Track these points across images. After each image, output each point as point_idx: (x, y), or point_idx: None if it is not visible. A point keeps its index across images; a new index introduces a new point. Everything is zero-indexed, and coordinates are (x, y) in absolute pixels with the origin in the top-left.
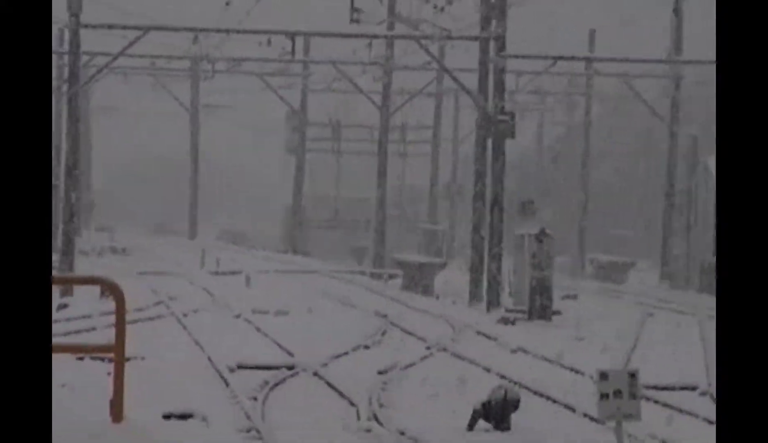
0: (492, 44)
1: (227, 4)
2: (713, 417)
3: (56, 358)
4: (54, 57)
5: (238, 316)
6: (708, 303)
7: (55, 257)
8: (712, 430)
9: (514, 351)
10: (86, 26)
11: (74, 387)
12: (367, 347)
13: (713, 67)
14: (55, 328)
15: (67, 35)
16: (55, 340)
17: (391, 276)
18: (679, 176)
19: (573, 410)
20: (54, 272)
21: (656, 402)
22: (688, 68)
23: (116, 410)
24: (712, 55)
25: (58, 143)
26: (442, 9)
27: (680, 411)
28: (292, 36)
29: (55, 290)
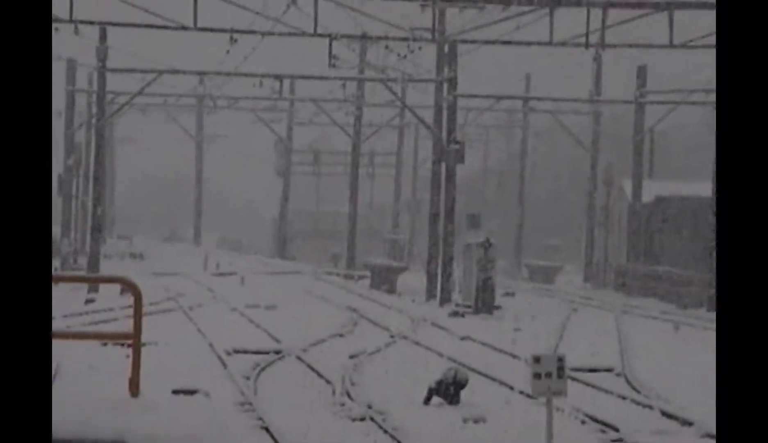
0: (445, 85)
1: (228, 52)
2: (627, 393)
3: (84, 344)
4: (84, 95)
5: (234, 309)
6: (622, 300)
7: (83, 261)
8: (627, 404)
9: (462, 339)
10: (111, 70)
11: (99, 368)
12: (341, 335)
13: (627, 105)
14: (83, 319)
15: (95, 78)
16: (82, 329)
17: (360, 277)
18: (599, 195)
19: (511, 388)
20: (82, 273)
21: (580, 381)
22: (606, 106)
23: (133, 386)
24: (626, 96)
25: (86, 167)
26: (405, 56)
27: (599, 389)
28: (280, 78)
29: (83, 288)
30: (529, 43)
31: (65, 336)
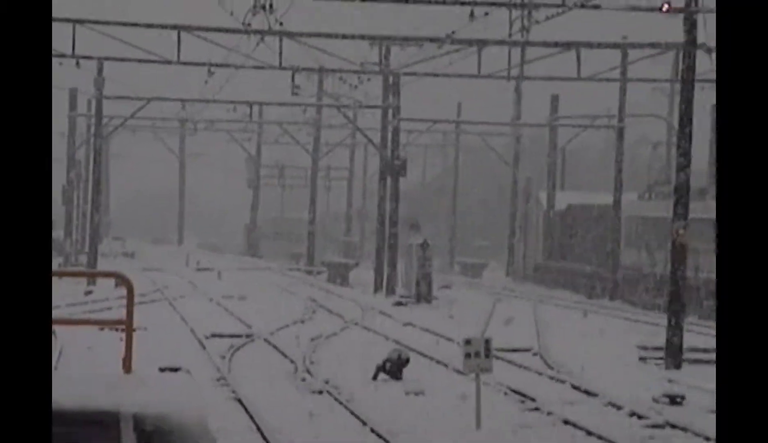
0: (390, 111)
1: (206, 82)
2: (543, 370)
3: (84, 329)
4: (84, 119)
5: (211, 300)
6: (539, 292)
7: (83, 259)
8: (543, 379)
9: (405, 325)
10: (107, 97)
11: (96, 349)
12: (302, 321)
13: (543, 128)
14: (83, 308)
15: (93, 104)
16: (83, 316)
17: (319, 273)
18: (519, 204)
19: (446, 366)
20: (83, 269)
21: (503, 360)
22: (525, 129)
23: (126, 365)
24: (541, 120)
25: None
26: (356, 86)
27: (519, 366)
28: (250, 104)
29: (83, 281)
30: (460, 76)
31: (68, 322)
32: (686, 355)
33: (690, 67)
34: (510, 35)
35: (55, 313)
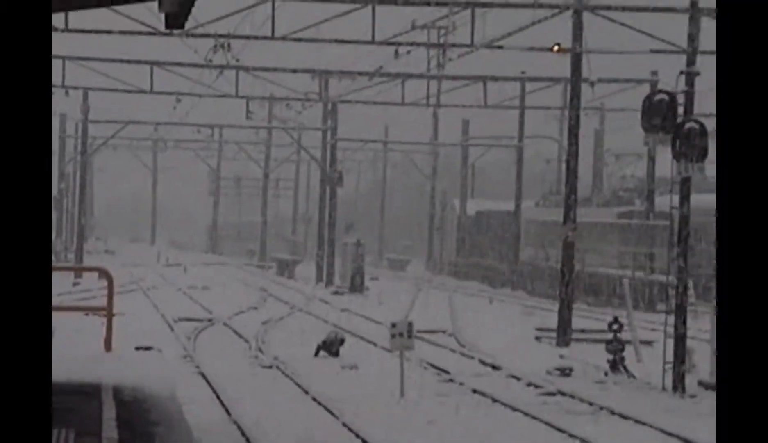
0: (329, 132)
1: (174, 108)
2: (456, 348)
3: (72, 314)
4: (72, 139)
5: (179, 289)
6: (453, 283)
7: (71, 256)
8: (456, 355)
9: (341, 311)
10: (91, 121)
11: (82, 331)
12: (255, 308)
13: (455, 147)
14: (71, 297)
15: (80, 126)
16: (70, 303)
17: (269, 267)
18: (437, 210)
19: (375, 344)
20: (72, 264)
21: (423, 340)
22: (441, 148)
23: (107, 344)
24: (455, 141)
25: (74, 189)
26: (300, 112)
27: (436, 345)
28: (212, 127)
29: (71, 275)
30: (387, 103)
31: (58, 309)
32: (574, 335)
33: (575, 97)
34: (428, 70)
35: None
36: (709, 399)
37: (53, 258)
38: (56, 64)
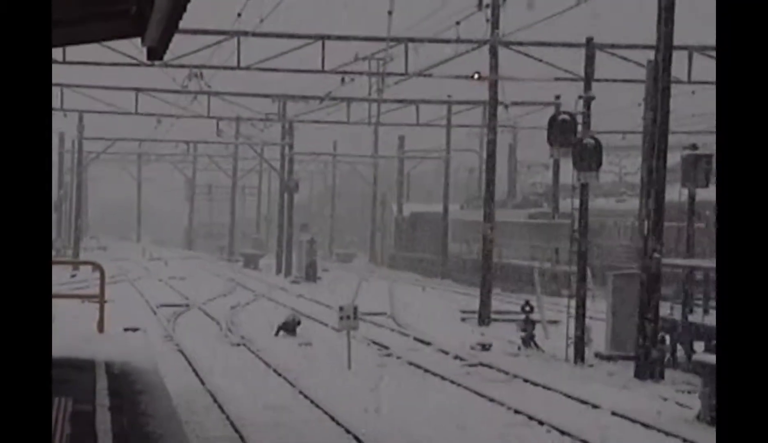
0: (287, 147)
1: (155, 127)
2: (394, 327)
3: (70, 301)
4: (69, 154)
5: (160, 280)
6: (392, 274)
7: (70, 252)
8: (394, 334)
9: (298, 297)
10: (86, 138)
11: (79, 315)
12: (225, 295)
13: (393, 159)
14: (69, 286)
15: (76, 143)
16: (69, 291)
17: (237, 261)
18: (378, 211)
19: (326, 325)
20: (70, 259)
21: (366, 321)
22: (381, 160)
23: (100, 326)
24: (392, 153)
25: (71, 195)
26: (262, 130)
27: (378, 325)
28: (188, 143)
29: (69, 268)
30: (335, 122)
31: (58, 296)
32: (493, 316)
33: (492, 117)
34: (369, 94)
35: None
36: (604, 368)
37: (54, 253)
38: (55, 91)
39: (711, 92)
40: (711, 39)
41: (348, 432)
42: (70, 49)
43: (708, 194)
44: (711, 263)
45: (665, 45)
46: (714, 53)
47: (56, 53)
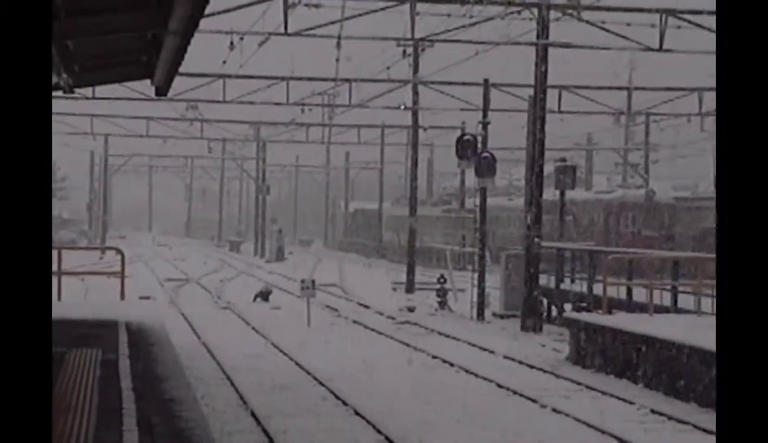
0: (260, 160)
1: (162, 146)
2: (342, 295)
3: (99, 277)
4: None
5: (166, 260)
6: (341, 255)
7: (99, 240)
8: (342, 300)
9: (269, 273)
10: (111, 155)
11: (105, 288)
12: (216, 271)
13: (341, 169)
14: (98, 266)
15: (103, 158)
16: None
17: (224, 246)
18: (330, 207)
19: (291, 294)
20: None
21: (322, 290)
22: (332, 170)
23: (121, 295)
24: (341, 165)
25: (100, 198)
26: (242, 147)
27: (330, 293)
28: (186, 157)
29: (98, 252)
30: (296, 142)
31: (90, 273)
32: (417, 286)
33: (415, 137)
34: (322, 120)
35: (83, 269)
36: (498, 324)
37: (86, 242)
38: (86, 119)
39: (576, 119)
40: (576, 80)
41: (308, 373)
42: (98, 88)
43: (574, 194)
44: (576, 245)
45: (540, 85)
46: (580, 89)
47: (87, 91)
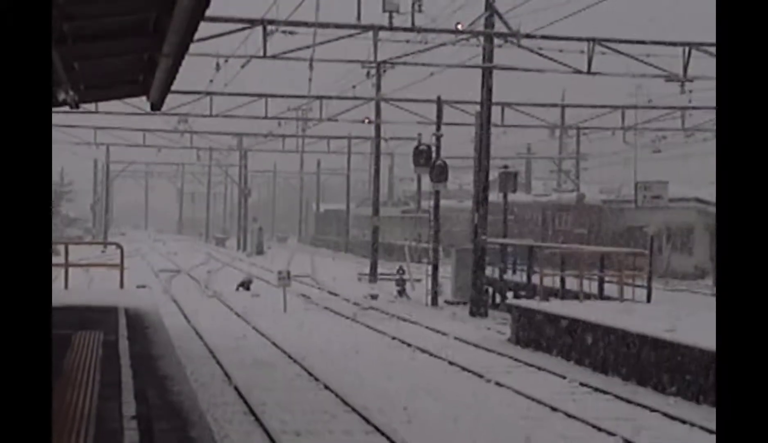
0: (243, 167)
1: (157, 154)
2: (314, 285)
3: (101, 269)
4: (100, 173)
5: (161, 254)
6: (313, 249)
7: (101, 237)
8: (314, 289)
9: (251, 265)
10: (111, 162)
11: (106, 278)
12: (204, 264)
13: (313, 174)
14: (101, 259)
15: (105, 166)
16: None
17: (211, 242)
18: (304, 208)
19: (270, 283)
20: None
21: (297, 280)
22: (306, 175)
23: (121, 284)
24: (312, 170)
25: (103, 200)
26: (227, 156)
27: (303, 283)
28: (178, 165)
29: (101, 247)
30: (274, 151)
31: (93, 265)
32: (379, 277)
33: (377, 147)
34: (297, 132)
35: (87, 261)
36: (450, 309)
37: (91, 238)
38: (90, 131)
39: (517, 132)
40: (517, 98)
41: (284, 352)
42: (100, 103)
43: (515, 197)
44: (517, 241)
45: (486, 102)
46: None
47: (91, 106)
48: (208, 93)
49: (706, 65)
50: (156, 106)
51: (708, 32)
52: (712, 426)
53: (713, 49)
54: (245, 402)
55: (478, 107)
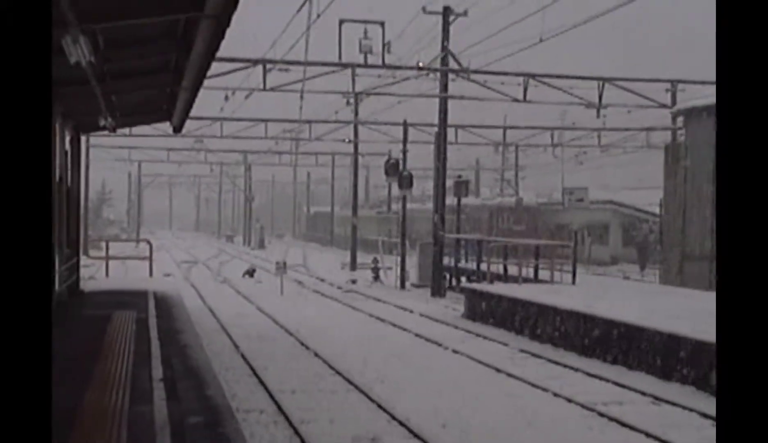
0: (247, 178)
1: (178, 168)
2: (306, 272)
3: (134, 261)
4: (134, 184)
5: (183, 249)
6: (304, 243)
7: (134, 235)
8: (307, 276)
9: (254, 257)
10: (143, 175)
11: (139, 268)
12: (216, 256)
13: (303, 183)
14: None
15: (137, 178)
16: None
17: (222, 238)
18: (296, 210)
19: (269, 271)
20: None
21: (291, 269)
22: (298, 184)
23: (150, 272)
24: (303, 180)
25: (135, 207)
26: (234, 169)
27: (298, 271)
28: (195, 176)
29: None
30: (273, 165)
31: (128, 258)
32: (358, 265)
33: (355, 162)
34: (291, 150)
35: (123, 255)
36: (415, 292)
37: (125, 236)
38: (125, 151)
39: (468, 148)
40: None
41: (282, 327)
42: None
43: (467, 201)
44: (469, 236)
45: (443, 124)
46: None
47: (126, 130)
48: (219, 119)
49: (615, 95)
50: (177, 130)
51: (618, 69)
52: (623, 380)
53: (622, 83)
54: (250, 366)
55: (436, 129)
